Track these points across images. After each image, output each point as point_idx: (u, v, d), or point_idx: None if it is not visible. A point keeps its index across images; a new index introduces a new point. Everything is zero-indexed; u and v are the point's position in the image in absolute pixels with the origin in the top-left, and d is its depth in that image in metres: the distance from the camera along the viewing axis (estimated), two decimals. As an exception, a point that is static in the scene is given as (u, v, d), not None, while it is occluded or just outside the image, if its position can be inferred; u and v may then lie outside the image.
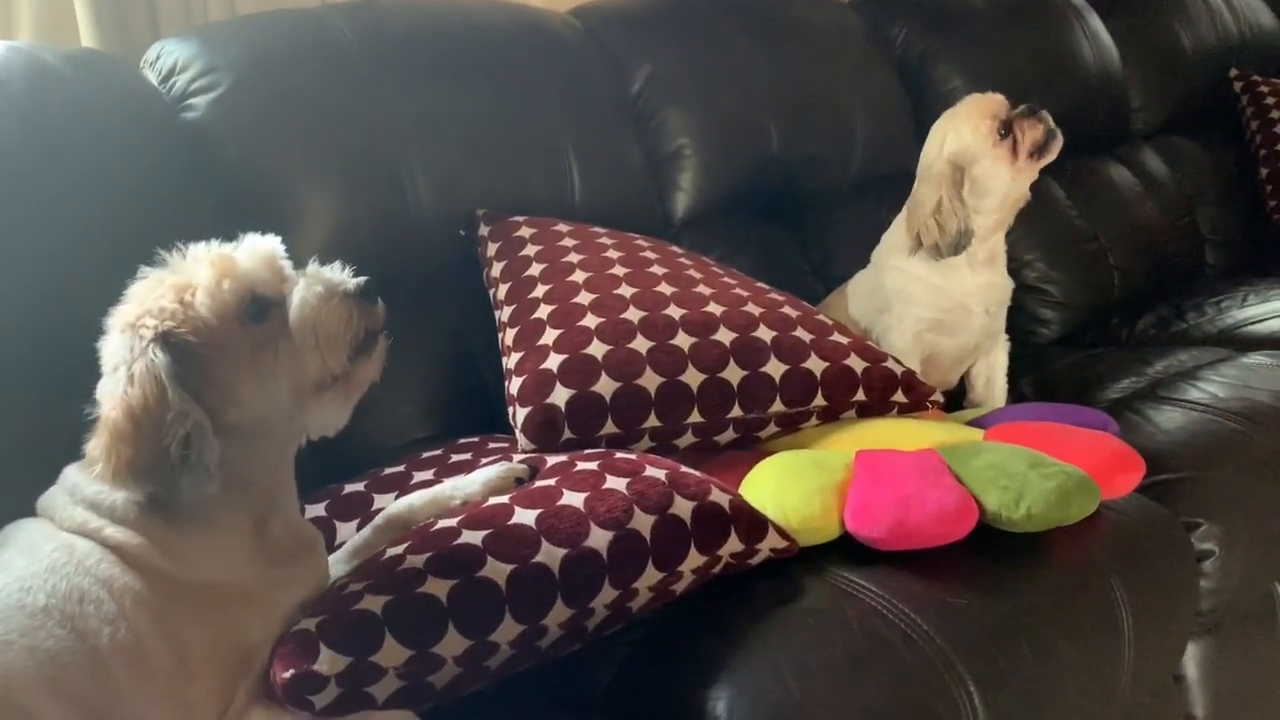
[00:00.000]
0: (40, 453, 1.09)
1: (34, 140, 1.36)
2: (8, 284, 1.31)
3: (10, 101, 1.37)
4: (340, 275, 1.08)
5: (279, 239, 1.10)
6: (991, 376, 1.86)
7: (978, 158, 1.71)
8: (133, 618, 0.96)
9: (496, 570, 1.08)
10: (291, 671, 1.00)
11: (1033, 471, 1.30)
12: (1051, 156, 1.73)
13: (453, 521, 1.15)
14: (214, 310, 1.02)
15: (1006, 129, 1.70)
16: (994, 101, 1.74)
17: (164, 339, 0.99)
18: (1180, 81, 2.82)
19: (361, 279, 1.08)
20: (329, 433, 1.11)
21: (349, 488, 1.40)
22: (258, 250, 1.08)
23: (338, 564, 1.21)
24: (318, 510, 1.36)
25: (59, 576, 0.96)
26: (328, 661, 1.00)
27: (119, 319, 1.03)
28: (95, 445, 1.00)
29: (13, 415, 1.29)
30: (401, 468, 1.43)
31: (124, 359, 1.00)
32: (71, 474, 1.05)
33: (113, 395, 0.99)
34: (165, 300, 1.01)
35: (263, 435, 1.06)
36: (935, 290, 1.74)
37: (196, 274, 1.04)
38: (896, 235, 1.80)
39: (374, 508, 1.33)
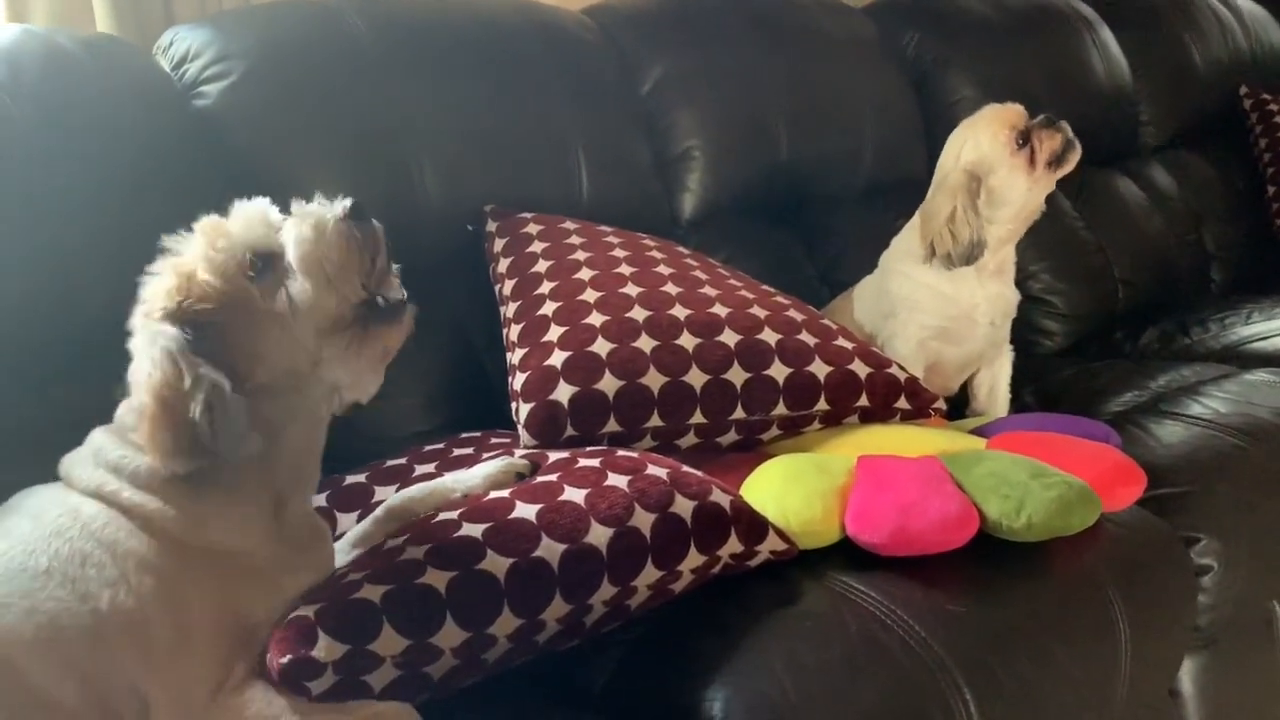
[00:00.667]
0: (47, 432, 1.09)
1: (46, 123, 1.36)
2: (16, 266, 1.31)
3: (23, 84, 1.37)
4: (326, 206, 1.07)
5: (267, 199, 1.10)
6: (995, 386, 1.86)
7: (995, 167, 1.71)
8: (135, 582, 0.96)
9: (496, 563, 1.08)
10: (289, 657, 1.00)
11: (1034, 481, 1.30)
12: (1069, 167, 1.73)
13: (453, 514, 1.15)
14: (215, 274, 1.02)
15: (1024, 138, 1.70)
16: (1012, 111, 1.74)
17: (172, 315, 1.00)
18: (1190, 97, 2.83)
19: (347, 202, 1.07)
20: (362, 397, 1.10)
21: (350, 479, 1.40)
22: (246, 211, 1.07)
23: (337, 554, 1.21)
24: (319, 500, 1.36)
25: (62, 540, 0.97)
26: (325, 648, 1.00)
27: (137, 316, 1.04)
28: (139, 434, 1.00)
29: (20, 394, 1.29)
30: (403, 460, 1.43)
31: (146, 347, 1.01)
32: (98, 436, 1.05)
33: (141, 384, 1.00)
34: (168, 283, 1.02)
35: (293, 390, 1.06)
36: (941, 298, 1.74)
37: (191, 248, 1.04)
38: (906, 241, 1.80)
39: (375, 499, 1.33)
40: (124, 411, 1.04)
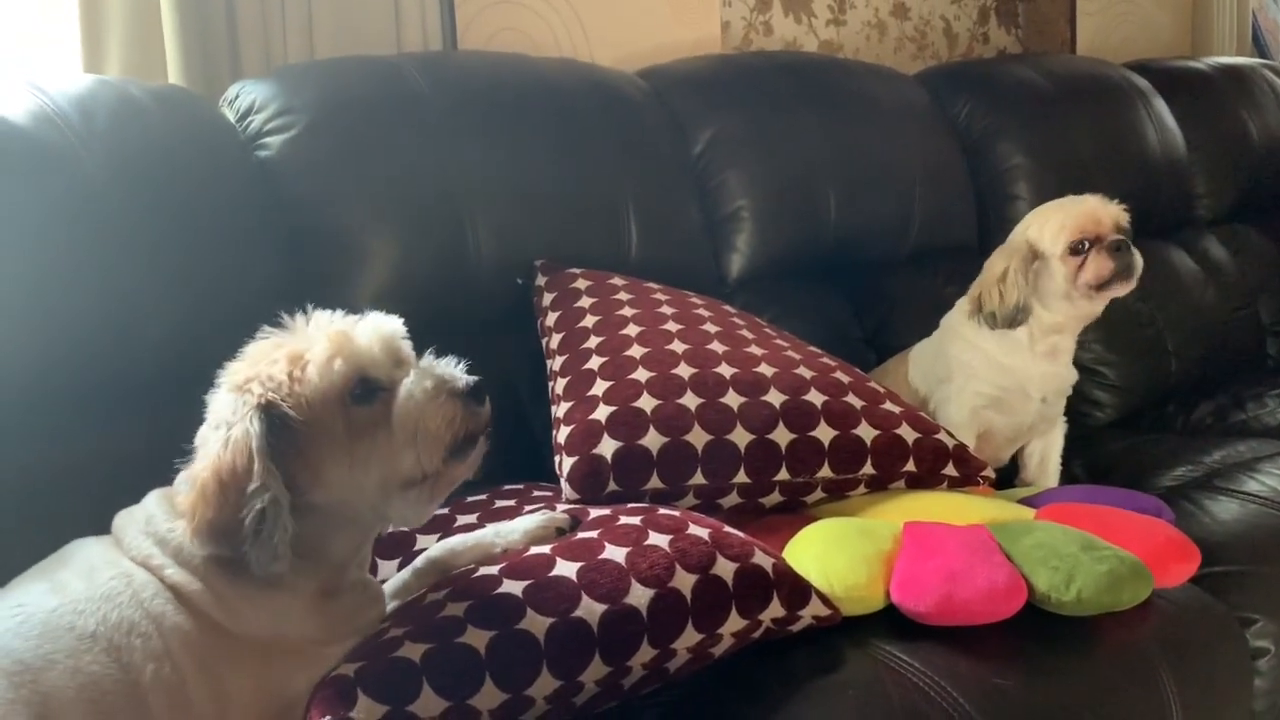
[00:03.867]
0: (99, 467, 1.10)
1: (115, 169, 1.40)
2: (80, 304, 1.34)
3: (95, 131, 1.42)
4: (452, 371, 1.06)
5: (401, 320, 1.09)
6: (1046, 456, 1.83)
7: (1046, 259, 1.71)
8: (178, 658, 0.97)
9: (535, 623, 1.08)
10: (328, 718, 0.99)
11: (1084, 554, 1.28)
12: (1109, 296, 1.71)
13: (494, 570, 1.15)
14: (320, 388, 1.01)
15: (1081, 248, 1.69)
16: (1090, 216, 1.70)
17: (266, 409, 0.99)
18: (1246, 170, 2.80)
19: (472, 379, 1.06)
20: (411, 526, 1.10)
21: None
22: (378, 330, 1.07)
23: (378, 604, 1.21)
24: (361, 548, 1.37)
25: (112, 605, 0.97)
26: (365, 709, 0.99)
27: (230, 377, 1.03)
28: (184, 499, 1.01)
29: (77, 431, 1.32)
30: (445, 510, 1.43)
31: (226, 420, 1.00)
32: (152, 502, 1.06)
33: (208, 455, 1.00)
34: (276, 368, 1.01)
35: (344, 518, 1.06)
36: (998, 368, 1.73)
37: (312, 346, 1.03)
38: (968, 305, 1.79)
39: (416, 548, 1.32)
40: (182, 479, 1.03)
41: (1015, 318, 1.68)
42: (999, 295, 1.68)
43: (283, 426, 0.99)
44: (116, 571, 1.00)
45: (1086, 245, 1.68)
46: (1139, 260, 1.69)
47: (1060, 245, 1.69)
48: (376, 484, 1.03)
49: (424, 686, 1.01)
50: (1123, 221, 1.71)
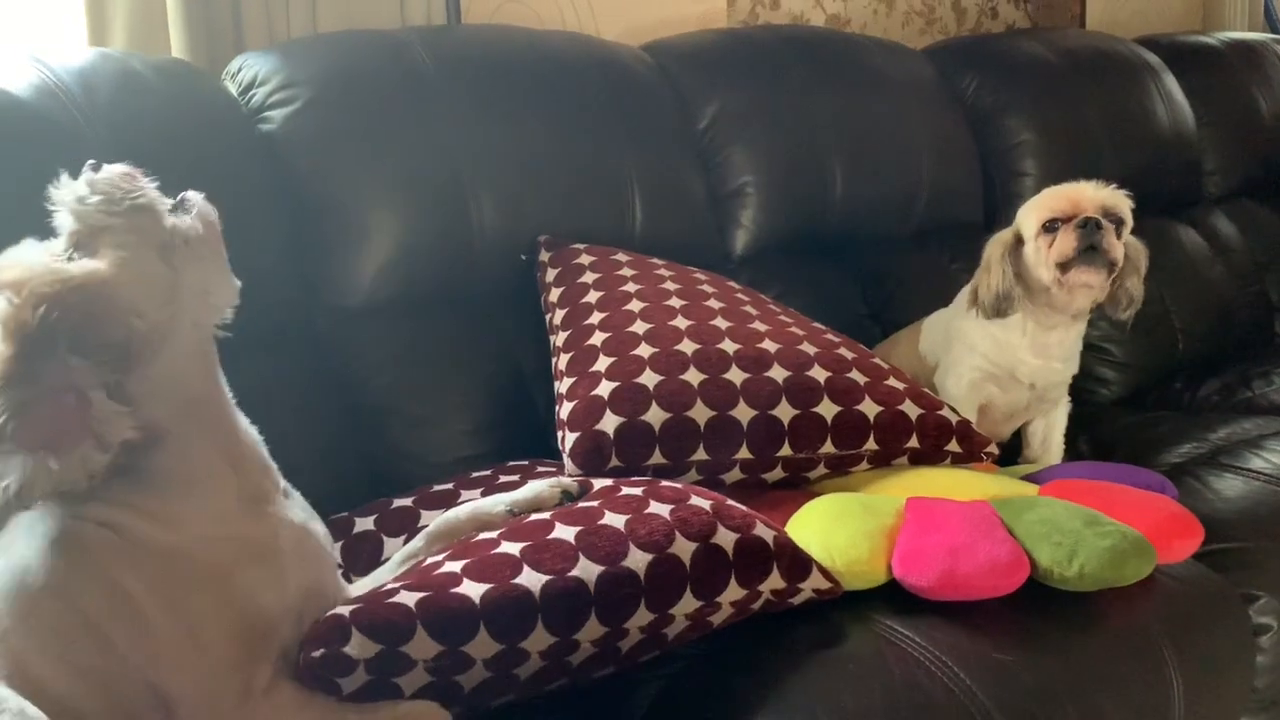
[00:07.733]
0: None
1: (117, 142, 1.40)
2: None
3: (97, 105, 1.42)
4: (72, 181, 1.05)
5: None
6: (1049, 434, 1.83)
7: (1026, 244, 1.68)
8: (131, 587, 0.97)
9: (531, 579, 1.08)
10: (321, 651, 1.00)
11: (1087, 529, 1.28)
12: (1080, 281, 1.63)
13: (493, 534, 1.16)
14: (44, 277, 0.97)
15: (1054, 226, 1.65)
16: (1066, 196, 1.66)
17: (30, 331, 0.95)
18: (1256, 147, 2.78)
19: (94, 163, 1.06)
20: (221, 290, 1.09)
21: (398, 502, 1.41)
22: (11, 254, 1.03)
23: (384, 572, 1.21)
24: (367, 524, 1.38)
25: (55, 553, 0.98)
26: (358, 646, 1.00)
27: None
28: None
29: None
30: (450, 486, 1.44)
31: None
32: None
33: None
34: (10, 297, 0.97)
35: (171, 324, 1.03)
36: (993, 342, 1.72)
37: (9, 267, 1.00)
38: (969, 294, 1.77)
39: (421, 523, 1.33)
40: None
41: (999, 307, 1.66)
42: (986, 285, 1.67)
43: (59, 324, 0.96)
44: (53, 524, 1.00)
45: (1059, 224, 1.64)
46: (1108, 239, 1.61)
47: (1034, 225, 1.66)
48: (156, 258, 1.03)
49: (418, 629, 1.02)
50: (1113, 205, 1.64)
